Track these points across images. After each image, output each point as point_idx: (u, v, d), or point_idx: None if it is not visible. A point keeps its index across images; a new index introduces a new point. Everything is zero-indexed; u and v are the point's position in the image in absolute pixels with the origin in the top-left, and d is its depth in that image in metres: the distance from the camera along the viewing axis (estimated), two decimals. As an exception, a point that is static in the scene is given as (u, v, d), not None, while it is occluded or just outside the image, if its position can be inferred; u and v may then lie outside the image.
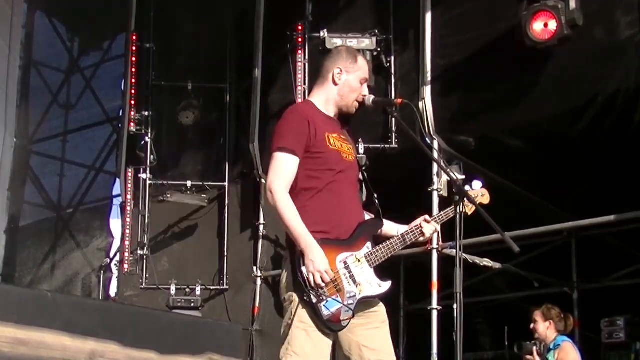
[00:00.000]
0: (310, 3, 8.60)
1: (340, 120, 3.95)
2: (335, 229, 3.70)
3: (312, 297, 3.55)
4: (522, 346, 6.65)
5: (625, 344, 7.59)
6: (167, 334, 5.88)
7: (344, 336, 3.70)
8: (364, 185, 3.96)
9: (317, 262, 3.54)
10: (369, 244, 3.75)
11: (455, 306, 3.64)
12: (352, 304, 3.62)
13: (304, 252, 3.56)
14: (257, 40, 8.64)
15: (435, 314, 7.18)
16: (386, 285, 3.74)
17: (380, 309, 3.80)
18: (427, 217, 3.90)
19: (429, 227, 3.86)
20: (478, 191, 3.99)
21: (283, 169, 3.67)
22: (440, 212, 3.98)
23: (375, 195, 3.91)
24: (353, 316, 3.63)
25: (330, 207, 3.71)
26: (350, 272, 3.66)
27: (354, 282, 3.65)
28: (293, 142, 3.69)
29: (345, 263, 3.66)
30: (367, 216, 3.89)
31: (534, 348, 6.54)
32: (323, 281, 3.54)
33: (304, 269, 3.56)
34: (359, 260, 3.69)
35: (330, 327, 3.61)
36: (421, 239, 3.88)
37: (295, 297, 3.61)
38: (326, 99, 3.89)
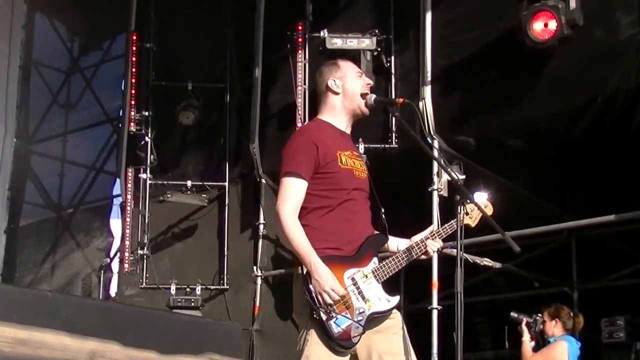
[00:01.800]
0: (310, 3, 8.60)
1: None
2: (346, 246, 3.70)
3: (322, 314, 3.55)
4: (513, 318, 6.66)
5: (625, 344, 7.58)
6: (167, 334, 5.87)
7: (362, 347, 3.68)
8: (371, 200, 3.96)
9: (324, 281, 3.54)
10: (375, 259, 3.75)
11: (456, 306, 3.64)
12: (361, 320, 3.62)
13: (310, 272, 3.57)
14: (257, 40, 8.64)
15: (435, 313, 7.18)
16: (395, 300, 3.74)
17: (396, 316, 3.81)
18: (433, 228, 3.89)
19: (433, 244, 3.84)
20: (482, 203, 3.97)
21: (290, 193, 3.68)
22: (440, 223, 3.97)
23: (383, 210, 3.91)
24: (363, 332, 3.62)
25: (342, 225, 3.72)
26: (358, 288, 3.66)
27: (363, 298, 3.65)
28: (300, 166, 3.69)
29: (353, 279, 3.66)
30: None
31: (525, 319, 6.56)
32: (332, 300, 3.54)
33: (311, 287, 3.56)
34: (366, 276, 3.69)
35: (341, 344, 3.60)
36: (423, 257, 3.86)
37: (307, 315, 3.61)
38: (334, 112, 3.90)
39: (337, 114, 3.89)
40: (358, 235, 3.75)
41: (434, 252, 3.88)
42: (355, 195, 3.78)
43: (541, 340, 6.57)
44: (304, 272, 3.60)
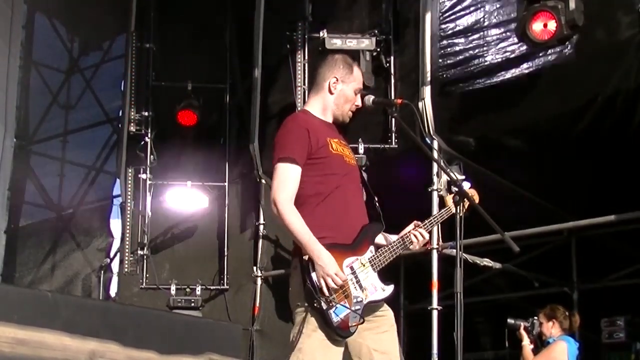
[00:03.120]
0: (310, 3, 8.59)
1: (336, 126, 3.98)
2: (341, 234, 3.71)
3: (322, 303, 3.55)
4: (511, 325, 6.68)
5: (625, 344, 7.59)
6: (167, 334, 5.88)
7: (353, 341, 3.70)
8: (364, 187, 3.97)
9: (327, 266, 3.54)
10: (372, 248, 3.77)
11: (456, 306, 3.64)
12: (359, 309, 3.63)
13: (313, 259, 3.56)
14: (257, 40, 8.63)
15: (435, 314, 7.18)
16: (389, 289, 3.76)
17: (388, 312, 3.83)
18: (417, 222, 3.92)
19: (421, 233, 3.86)
20: (467, 191, 3.98)
21: (286, 179, 3.68)
22: (435, 214, 3.99)
23: (376, 199, 3.92)
24: (362, 322, 3.62)
25: (336, 212, 3.73)
26: (356, 276, 3.67)
27: (360, 287, 3.67)
28: (294, 151, 3.70)
29: (352, 268, 3.68)
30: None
31: (522, 324, 6.57)
32: (336, 284, 3.54)
33: (313, 275, 3.56)
34: (363, 265, 3.70)
35: (340, 333, 3.61)
36: (410, 247, 3.88)
37: (305, 305, 3.61)
38: (323, 107, 3.92)
39: (326, 109, 3.93)
40: (353, 223, 3.76)
41: (420, 242, 3.87)
42: (347, 182, 3.80)
43: (539, 343, 6.58)
44: (305, 261, 3.59)
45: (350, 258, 3.68)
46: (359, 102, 3.96)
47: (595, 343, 7.71)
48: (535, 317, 6.58)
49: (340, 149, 3.83)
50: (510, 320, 6.68)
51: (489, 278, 8.34)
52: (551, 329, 6.51)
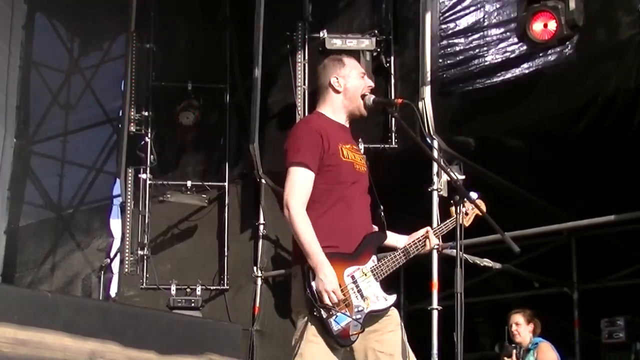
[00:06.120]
0: (310, 3, 8.59)
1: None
2: (345, 243, 3.69)
3: (322, 312, 3.54)
4: (503, 347, 6.71)
5: (625, 344, 7.60)
6: (167, 334, 5.88)
7: (359, 345, 3.68)
8: (370, 195, 3.95)
9: (327, 281, 3.52)
10: (374, 257, 3.74)
11: (456, 306, 3.64)
12: (360, 318, 3.61)
13: (315, 270, 3.54)
14: (257, 40, 8.64)
15: (435, 314, 7.18)
16: (392, 299, 3.74)
17: (393, 312, 3.81)
18: (429, 228, 3.91)
19: (433, 239, 3.87)
20: (476, 202, 3.96)
21: (300, 184, 3.64)
22: (440, 223, 3.98)
23: (382, 207, 3.90)
24: (362, 331, 3.61)
25: (342, 221, 3.70)
26: (357, 286, 3.65)
27: (362, 296, 3.65)
28: (308, 156, 3.66)
29: (353, 277, 3.65)
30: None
31: (514, 351, 6.59)
32: (331, 301, 3.52)
33: (313, 284, 3.55)
34: (365, 274, 3.68)
35: (339, 342, 3.60)
36: (422, 251, 3.89)
37: (306, 312, 3.60)
38: (333, 109, 3.88)
39: (337, 111, 3.88)
40: (357, 232, 3.73)
41: (432, 247, 3.90)
42: (355, 189, 3.77)
43: (520, 351, 6.58)
44: (307, 269, 3.58)
45: (351, 267, 3.66)
46: (370, 83, 3.92)
47: (595, 343, 7.71)
48: (514, 344, 6.60)
49: (352, 156, 3.79)
50: (506, 344, 6.72)
51: (489, 278, 8.34)
52: (529, 332, 6.55)
